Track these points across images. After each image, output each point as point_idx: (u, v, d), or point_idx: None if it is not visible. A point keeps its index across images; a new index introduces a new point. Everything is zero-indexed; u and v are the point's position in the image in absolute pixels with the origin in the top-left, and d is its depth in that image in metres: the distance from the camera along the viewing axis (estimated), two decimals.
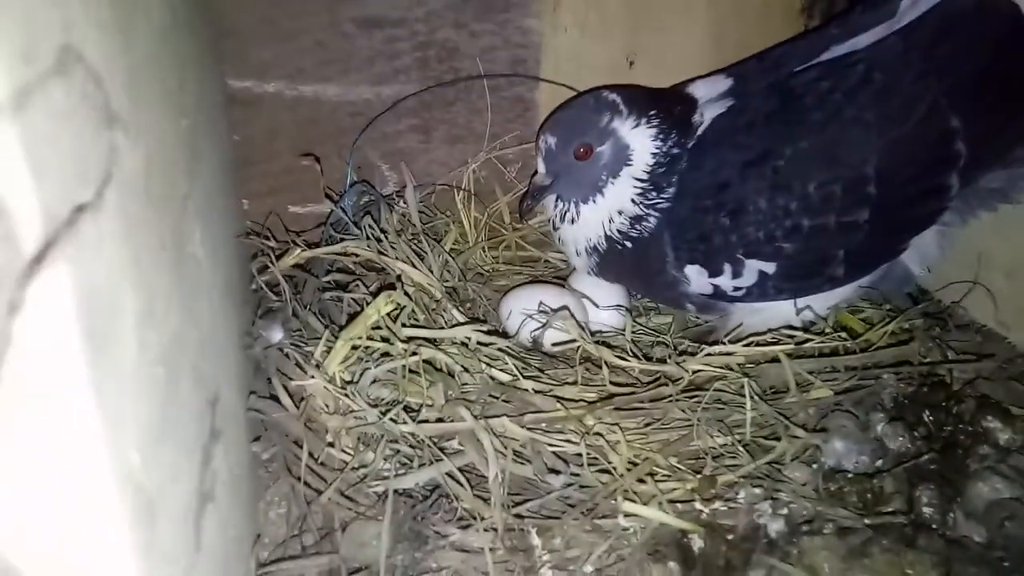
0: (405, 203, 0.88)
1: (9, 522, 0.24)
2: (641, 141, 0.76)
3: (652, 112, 0.77)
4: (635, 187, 0.77)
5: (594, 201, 0.78)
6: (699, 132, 0.77)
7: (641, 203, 0.77)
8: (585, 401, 0.67)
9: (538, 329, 0.74)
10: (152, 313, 0.33)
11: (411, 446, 0.61)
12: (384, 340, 0.66)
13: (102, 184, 0.27)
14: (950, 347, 0.76)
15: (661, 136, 0.76)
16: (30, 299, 0.21)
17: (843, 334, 0.74)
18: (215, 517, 0.42)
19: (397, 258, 0.78)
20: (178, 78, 0.51)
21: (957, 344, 0.78)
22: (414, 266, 0.77)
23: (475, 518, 0.57)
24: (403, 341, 0.67)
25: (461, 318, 0.74)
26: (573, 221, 0.80)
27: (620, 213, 0.77)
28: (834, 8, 0.95)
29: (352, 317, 0.70)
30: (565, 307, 0.74)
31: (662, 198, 0.76)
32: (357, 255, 0.80)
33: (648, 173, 0.76)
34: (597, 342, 0.73)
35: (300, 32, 0.84)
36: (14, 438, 0.23)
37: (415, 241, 0.84)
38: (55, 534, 0.26)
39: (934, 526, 0.61)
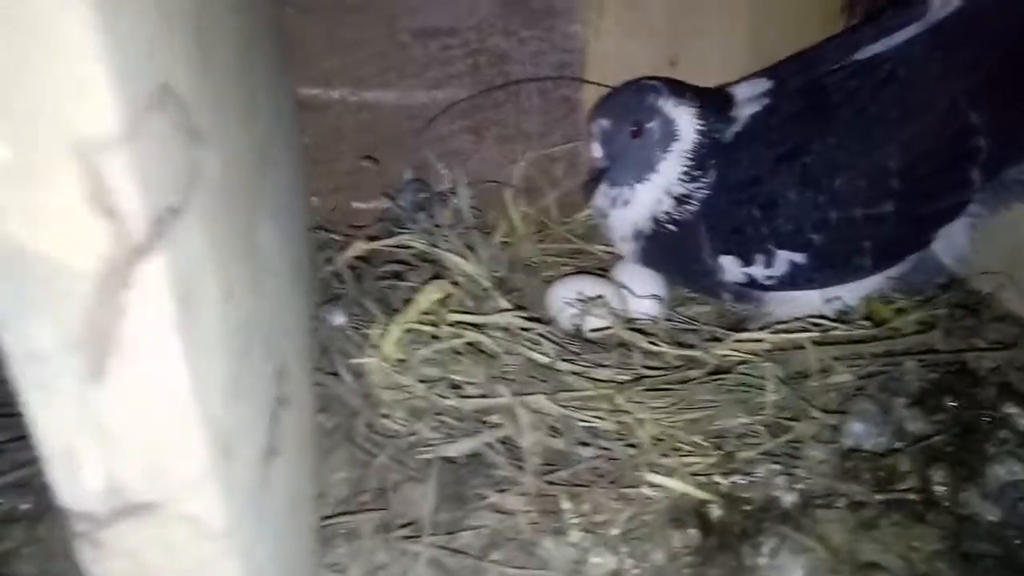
0: (458, 199, 0.95)
1: (119, 449, 0.32)
2: (684, 117, 0.81)
3: (689, 94, 0.82)
4: (683, 164, 0.81)
5: (648, 179, 0.83)
6: (736, 128, 0.82)
7: (687, 183, 0.81)
8: (616, 382, 0.72)
9: (577, 315, 0.80)
10: (230, 294, 0.40)
11: (455, 419, 0.68)
12: (433, 324, 0.73)
13: (188, 190, 0.34)
14: (979, 336, 0.78)
15: (702, 116, 0.81)
16: (137, 279, 0.29)
17: (868, 322, 0.77)
18: (281, 469, 0.50)
19: (449, 250, 0.84)
20: (251, 91, 0.59)
21: (992, 334, 0.80)
22: (464, 258, 0.84)
23: (511, 484, 0.64)
24: (449, 325, 0.74)
25: (506, 305, 0.80)
26: (626, 203, 0.85)
27: (668, 193, 0.82)
28: (876, 6, 0.97)
29: (406, 303, 0.77)
30: (602, 295, 0.80)
31: (703, 182, 0.81)
32: (412, 247, 0.87)
33: (694, 151, 0.81)
34: (632, 329, 0.78)
35: (362, 43, 0.91)
36: (126, 388, 0.31)
37: (466, 235, 0.91)
38: (154, 461, 0.33)
39: (946, 503, 0.64)
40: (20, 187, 0.26)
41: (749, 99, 0.83)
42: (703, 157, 0.81)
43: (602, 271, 0.96)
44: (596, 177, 0.85)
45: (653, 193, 0.83)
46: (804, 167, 0.76)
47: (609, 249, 0.98)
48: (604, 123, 0.83)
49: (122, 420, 0.31)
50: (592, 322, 0.80)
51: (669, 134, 0.81)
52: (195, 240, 0.34)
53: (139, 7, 0.29)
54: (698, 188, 0.81)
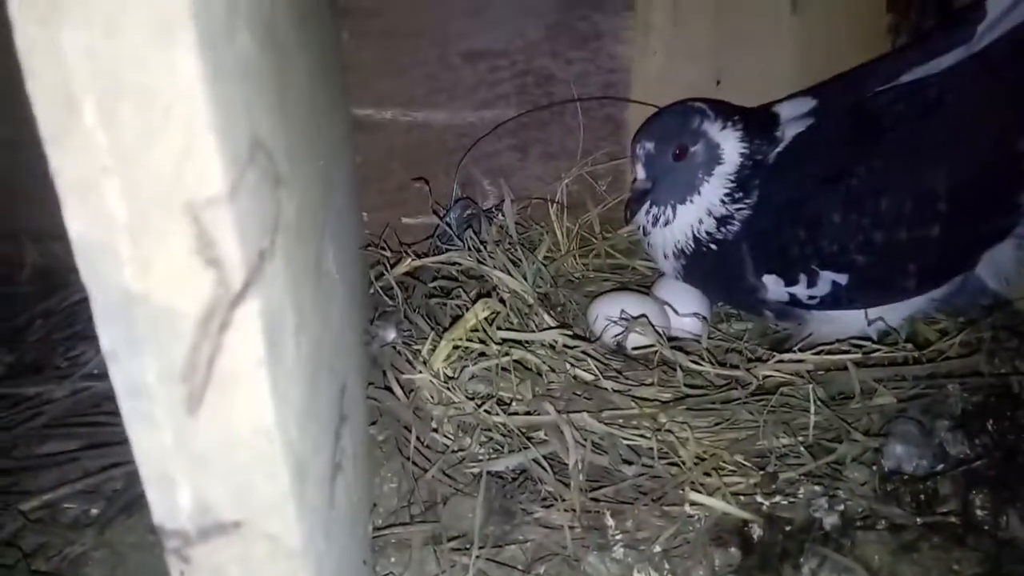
0: (504, 216, 0.97)
1: (210, 474, 0.35)
2: (729, 141, 0.83)
3: (736, 117, 0.84)
4: (725, 186, 0.83)
5: (691, 201, 0.85)
6: (780, 148, 0.83)
7: (728, 204, 0.83)
8: (659, 401, 0.74)
9: (620, 334, 0.82)
10: (303, 323, 0.43)
11: (502, 435, 0.70)
12: (481, 342, 0.75)
13: (274, 233, 0.37)
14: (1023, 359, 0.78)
15: (747, 139, 0.83)
16: (235, 321, 0.32)
17: (911, 345, 0.78)
18: (343, 485, 0.52)
19: (495, 267, 0.87)
20: (316, 122, 0.62)
21: None
22: (510, 274, 0.86)
23: (557, 499, 0.66)
24: (497, 343, 0.76)
25: (551, 322, 0.83)
26: (667, 223, 0.86)
27: (709, 214, 0.84)
28: (922, 27, 0.97)
29: (455, 320, 0.79)
30: (644, 314, 0.82)
31: (746, 203, 0.82)
32: (460, 264, 0.90)
33: (737, 173, 0.83)
34: (674, 347, 0.80)
35: (413, 66, 0.95)
36: (219, 419, 0.33)
37: (511, 251, 0.94)
38: (240, 484, 0.36)
39: (986, 527, 0.64)
40: (135, 242, 0.29)
41: (794, 118, 0.84)
42: (746, 179, 0.82)
43: (644, 287, 0.98)
44: (638, 198, 0.87)
45: (695, 214, 0.84)
46: (850, 188, 0.77)
47: (651, 265, 1.00)
48: (648, 145, 0.85)
49: (214, 447, 0.34)
50: (635, 339, 0.82)
51: (713, 157, 0.83)
52: (279, 279, 0.37)
53: (237, 72, 0.32)
54: (740, 208, 0.82)
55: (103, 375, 0.78)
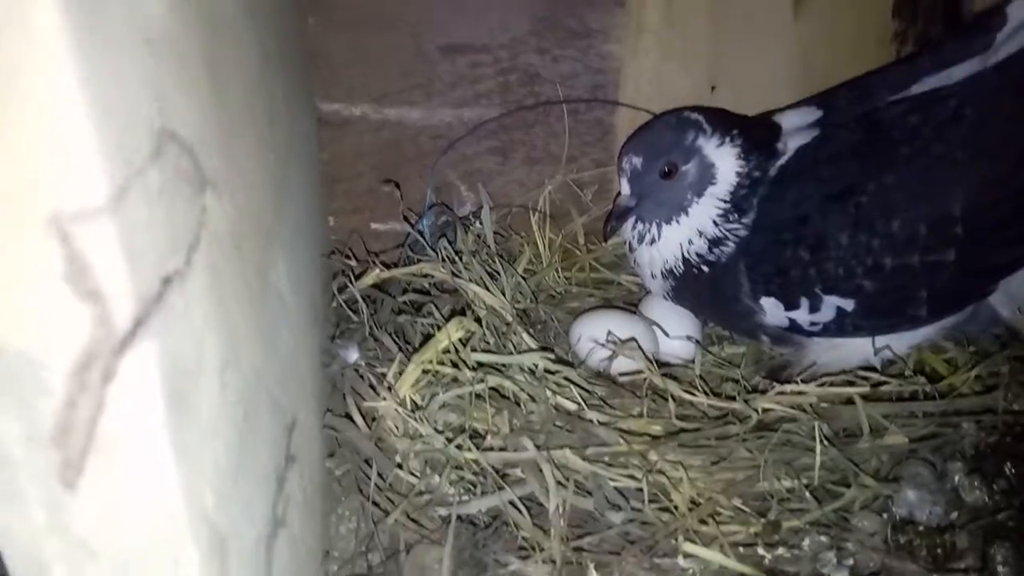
0: (481, 224, 0.90)
1: (94, 562, 0.27)
2: (725, 160, 0.76)
3: (735, 132, 0.76)
4: (717, 208, 0.76)
5: (677, 221, 0.78)
6: (782, 161, 0.76)
7: (721, 225, 0.76)
8: (649, 435, 0.67)
9: (606, 359, 0.75)
10: (235, 356, 0.35)
11: (474, 473, 0.63)
12: (454, 365, 0.68)
13: (191, 249, 0.29)
14: None
15: (744, 157, 0.76)
16: (121, 371, 0.24)
17: (922, 378, 0.72)
18: (287, 540, 0.45)
19: (471, 280, 0.79)
20: (269, 115, 0.54)
21: None
22: (487, 288, 0.79)
23: (535, 548, 0.59)
24: (471, 367, 0.69)
25: (531, 343, 0.75)
26: (653, 242, 0.79)
27: (700, 235, 0.77)
28: (928, 35, 0.91)
29: (425, 339, 0.72)
30: (633, 338, 0.75)
31: (741, 223, 0.75)
32: (432, 276, 0.82)
33: (731, 194, 0.76)
34: (665, 374, 0.73)
35: (386, 58, 0.87)
36: (105, 493, 0.26)
37: (489, 262, 0.86)
38: (136, 570, 0.28)
39: None
40: None
41: (797, 129, 0.77)
42: (742, 198, 0.75)
43: (630, 304, 0.91)
44: (620, 215, 0.79)
45: (683, 234, 0.78)
46: (858, 207, 0.71)
47: (638, 280, 0.93)
48: (636, 160, 0.77)
49: (98, 528, 0.26)
50: (622, 364, 0.75)
51: (706, 177, 0.76)
52: (196, 309, 0.29)
53: (137, 41, 0.24)
54: (735, 228, 0.76)
55: None
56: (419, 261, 0.84)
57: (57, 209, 0.21)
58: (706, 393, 0.71)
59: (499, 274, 0.85)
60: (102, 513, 0.26)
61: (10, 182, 0.21)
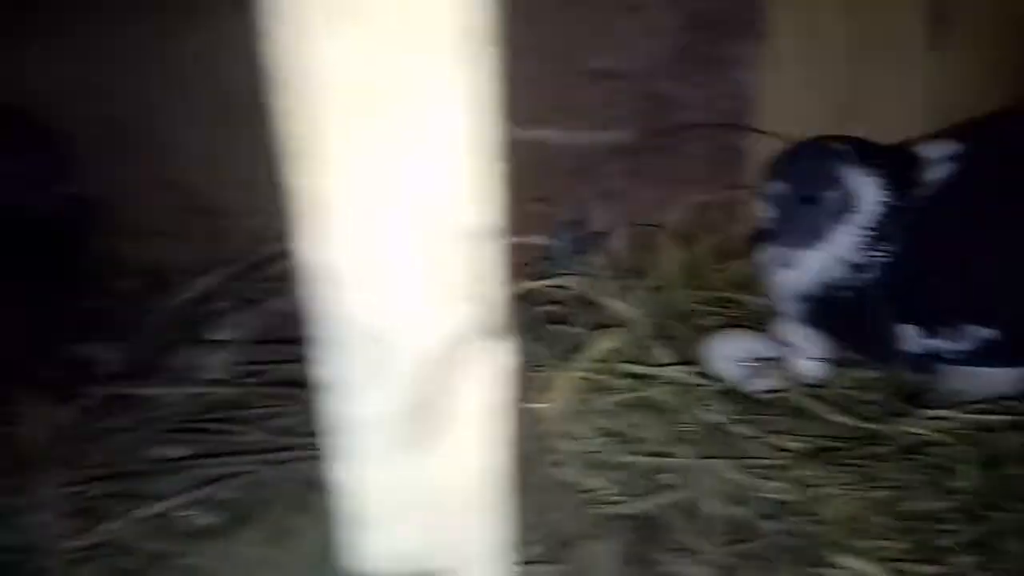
0: (614, 241, 0.94)
1: (421, 518, 0.32)
2: (868, 189, 0.77)
3: (879, 161, 0.78)
4: (859, 235, 0.78)
5: (816, 247, 0.79)
6: (925, 192, 0.77)
7: (863, 253, 0.78)
8: (795, 451, 0.69)
9: (746, 377, 0.77)
10: None
11: (631, 476, 0.66)
12: (609, 373, 0.72)
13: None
14: None
15: (888, 187, 0.77)
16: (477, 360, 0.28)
17: None
18: None
19: (607, 294, 0.83)
20: None
21: None
22: (623, 303, 0.83)
23: (689, 551, 0.62)
24: (619, 377, 0.72)
25: (673, 357, 0.78)
26: (791, 266, 0.81)
27: (840, 261, 0.78)
28: None
29: (574, 349, 0.76)
30: (776, 357, 0.77)
31: (883, 251, 0.77)
32: (570, 289, 0.86)
33: (873, 222, 0.77)
34: (807, 394, 0.75)
35: (532, 81, 0.91)
36: (442, 460, 0.30)
37: (623, 278, 0.90)
38: (453, 531, 0.33)
39: None
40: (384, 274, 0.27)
41: (939, 159, 0.79)
42: (885, 227, 0.77)
43: (756, 324, 0.93)
44: (761, 238, 0.82)
45: (822, 260, 0.79)
46: (1003, 239, 0.72)
47: (763, 302, 0.95)
48: (779, 185, 0.80)
49: (433, 489, 0.31)
50: (763, 383, 0.77)
51: (848, 205, 0.77)
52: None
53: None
54: (876, 257, 0.77)
55: (220, 380, 0.76)
56: (557, 275, 0.88)
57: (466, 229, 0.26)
58: (850, 413, 0.73)
59: (632, 290, 0.88)
60: (434, 479, 0.31)
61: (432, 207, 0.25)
